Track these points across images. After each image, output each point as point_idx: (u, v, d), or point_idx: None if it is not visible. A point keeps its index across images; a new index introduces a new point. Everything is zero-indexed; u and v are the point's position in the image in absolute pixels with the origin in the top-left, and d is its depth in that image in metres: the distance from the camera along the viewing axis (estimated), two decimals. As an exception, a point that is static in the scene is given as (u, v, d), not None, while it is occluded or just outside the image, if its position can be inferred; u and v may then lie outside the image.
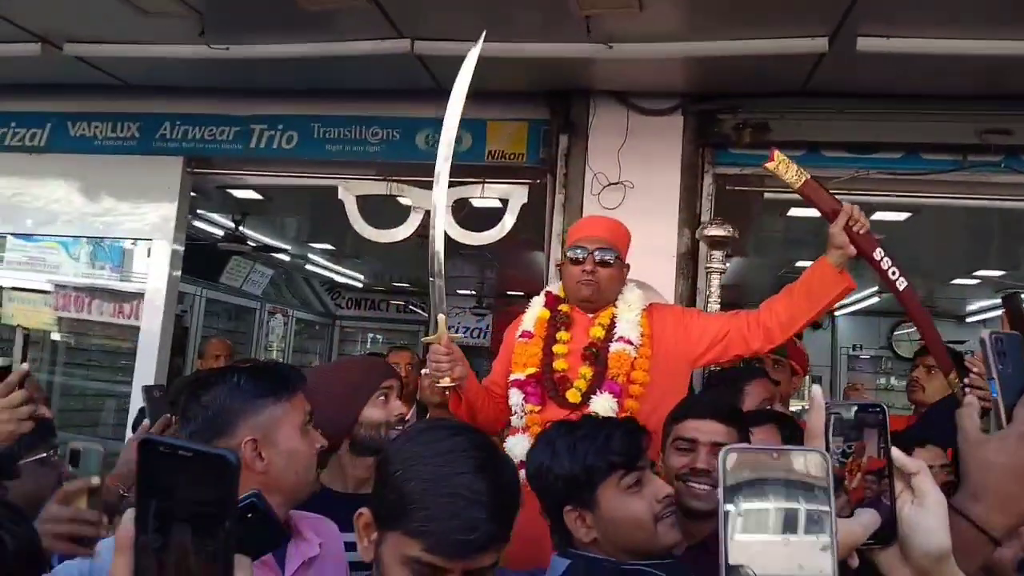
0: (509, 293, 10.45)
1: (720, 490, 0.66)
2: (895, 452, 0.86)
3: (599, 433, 1.69)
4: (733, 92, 4.24)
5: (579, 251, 2.76)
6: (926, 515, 0.86)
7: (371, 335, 12.17)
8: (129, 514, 0.66)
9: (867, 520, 0.85)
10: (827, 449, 0.84)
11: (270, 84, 4.68)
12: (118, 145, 5.02)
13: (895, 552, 0.87)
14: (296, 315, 10.55)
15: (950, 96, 4.02)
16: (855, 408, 0.86)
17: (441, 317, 2.64)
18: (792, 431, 2.45)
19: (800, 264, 7.71)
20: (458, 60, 3.22)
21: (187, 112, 4.89)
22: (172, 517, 0.65)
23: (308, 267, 9.67)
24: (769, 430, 2.36)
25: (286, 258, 8.93)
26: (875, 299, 9.09)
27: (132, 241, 5.16)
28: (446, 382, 2.62)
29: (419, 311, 11.60)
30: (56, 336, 5.87)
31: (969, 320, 9.85)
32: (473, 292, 10.98)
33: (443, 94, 3.05)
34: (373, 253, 8.24)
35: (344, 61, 4.06)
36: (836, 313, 10.37)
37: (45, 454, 2.12)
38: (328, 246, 8.72)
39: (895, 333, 10.10)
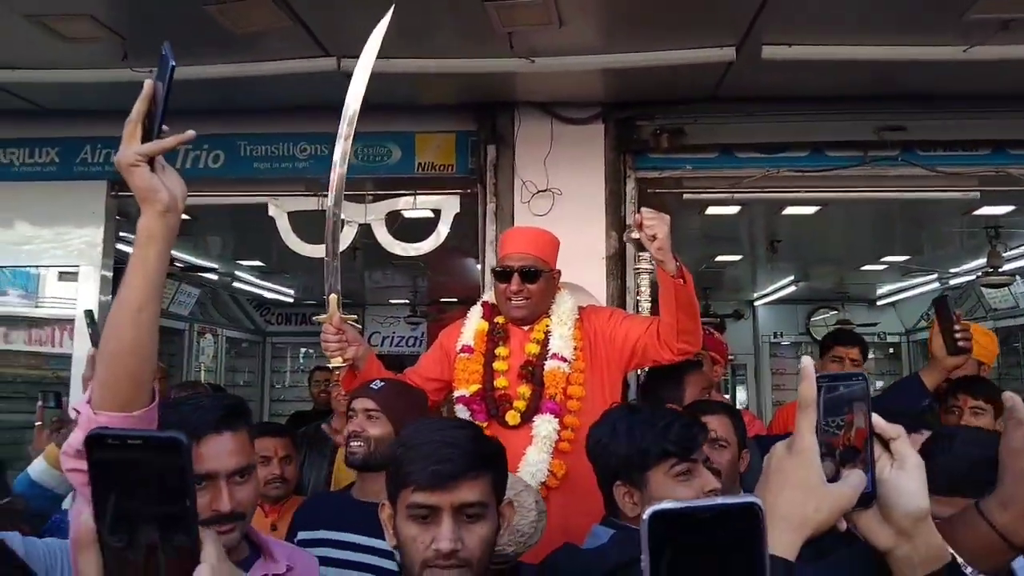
0: (443, 300, 10.51)
1: (645, 556, 0.60)
2: (875, 418, 0.90)
3: (659, 421, 1.79)
4: (650, 100, 4.43)
5: (505, 269, 2.86)
6: (907, 478, 0.89)
7: (303, 350, 12.05)
8: (87, 513, 0.66)
9: (855, 482, 0.88)
10: (819, 421, 0.88)
11: (195, 104, 4.64)
12: (37, 171, 4.92)
13: (873, 514, 0.91)
14: (225, 334, 10.39)
15: (850, 97, 4.30)
16: (841, 379, 0.90)
17: (332, 297, 2.78)
18: (738, 419, 2.63)
19: (720, 258, 8.04)
20: (385, 75, 3.31)
21: (109, 135, 4.82)
22: (134, 513, 0.65)
23: (236, 284, 9.53)
24: (721, 419, 2.52)
25: (214, 277, 8.80)
26: (792, 288, 9.51)
27: (56, 268, 5.04)
28: (337, 361, 2.74)
29: (353, 324, 11.54)
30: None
31: (879, 303, 10.38)
32: (407, 301, 11.00)
33: (370, 108, 3.13)
34: (301, 267, 8.18)
35: (271, 80, 4.09)
36: (756, 303, 10.80)
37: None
38: (256, 263, 8.63)
39: (812, 319, 10.58)
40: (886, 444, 0.92)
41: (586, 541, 1.88)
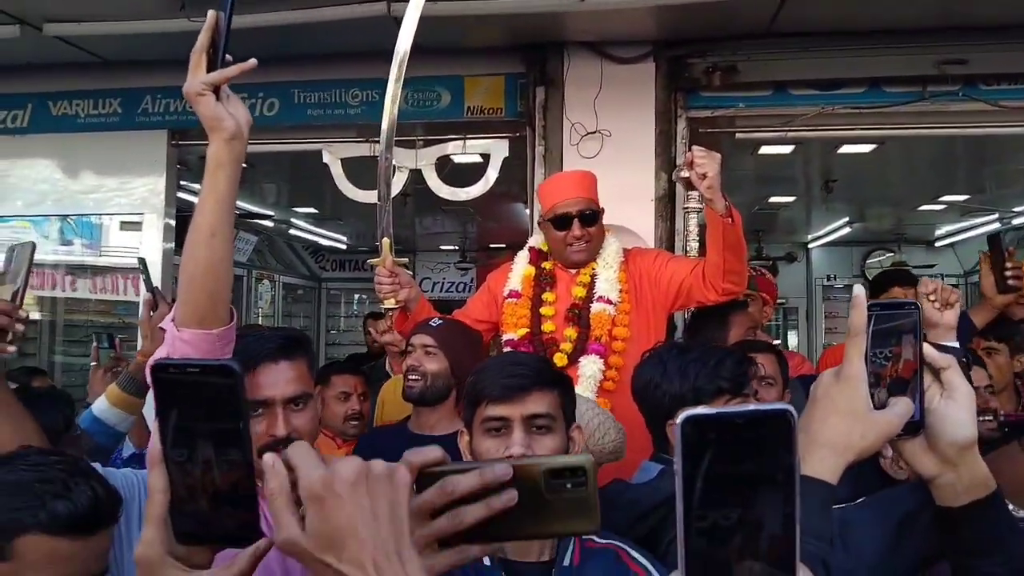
0: (492, 246, 10.59)
1: (678, 460, 0.61)
2: (926, 348, 0.90)
3: (710, 359, 1.83)
4: (702, 37, 4.37)
5: (563, 214, 2.90)
6: (956, 407, 0.90)
7: (357, 296, 12.30)
8: (156, 432, 0.75)
9: (902, 410, 0.89)
10: (868, 350, 0.89)
11: (249, 52, 4.72)
12: (101, 122, 5.08)
13: (920, 442, 0.92)
14: (282, 280, 10.66)
15: (909, 30, 4.17)
16: (892, 308, 0.90)
17: (385, 241, 2.88)
18: (782, 359, 2.68)
19: (773, 200, 7.93)
20: (433, 19, 3.33)
21: (168, 85, 4.94)
22: (192, 431, 0.74)
23: (292, 232, 9.74)
24: (768, 357, 2.58)
25: (270, 224, 9.00)
26: (846, 229, 9.34)
27: (120, 217, 5.23)
28: (390, 303, 2.86)
29: (405, 271, 11.71)
30: (49, 316, 5.97)
31: (938, 244, 10.14)
32: (456, 247, 11.11)
33: (420, 53, 3.17)
34: (354, 214, 8.32)
35: (323, 26, 4.14)
36: (809, 245, 10.63)
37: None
38: (311, 210, 8.79)
39: (867, 261, 10.39)
40: (936, 374, 0.93)
41: (635, 476, 1.94)
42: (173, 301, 2.82)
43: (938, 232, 9.71)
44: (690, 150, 2.68)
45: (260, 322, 9.75)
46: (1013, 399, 3.16)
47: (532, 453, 1.46)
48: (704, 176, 2.58)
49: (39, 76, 4.98)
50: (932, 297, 2.12)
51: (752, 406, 0.62)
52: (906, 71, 4.32)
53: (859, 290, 0.91)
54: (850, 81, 4.37)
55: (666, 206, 4.35)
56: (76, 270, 5.43)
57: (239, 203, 7.77)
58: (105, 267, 5.35)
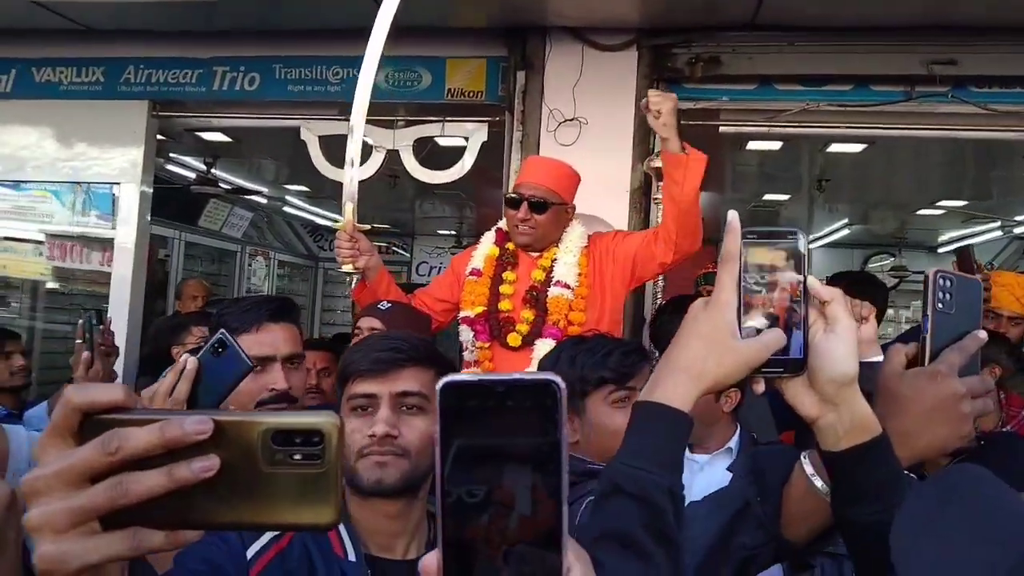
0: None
1: (436, 430, 0.55)
2: (810, 280, 0.85)
3: (601, 348, 1.83)
4: (686, 26, 4.27)
5: (515, 196, 2.89)
6: (836, 341, 0.85)
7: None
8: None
9: (768, 340, 0.84)
10: (740, 277, 0.84)
11: (232, 25, 4.70)
12: (84, 90, 5.04)
13: (802, 380, 0.87)
14: (278, 257, 10.64)
15: (898, 27, 4.07)
16: (772, 235, 0.86)
17: (348, 206, 2.85)
18: None
19: (768, 197, 7.82)
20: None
21: (150, 56, 4.91)
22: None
23: (286, 209, 9.71)
24: None
25: (263, 200, 8.98)
26: (847, 231, 9.21)
27: (105, 186, 5.20)
28: (348, 267, 2.84)
29: (402, 252, 11.70)
30: (37, 283, 5.98)
31: (941, 251, 9.99)
32: (453, 232, 11.07)
33: (400, 31, 3.12)
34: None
35: (303, 1, 4.09)
36: (810, 247, 10.46)
37: None
38: (303, 188, 8.74)
39: (869, 264, 10.26)
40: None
41: None
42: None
43: (941, 238, 9.55)
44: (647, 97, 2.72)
45: (254, 298, 9.75)
46: (996, 412, 3.07)
47: (398, 433, 1.36)
48: (659, 114, 2.65)
49: (23, 42, 4.94)
50: None
51: (516, 375, 0.56)
52: (894, 70, 4.22)
53: (732, 215, 0.87)
54: (836, 78, 4.27)
55: (641, 198, 4.28)
56: (61, 238, 5.41)
57: (231, 177, 7.80)
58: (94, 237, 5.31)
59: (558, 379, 0.55)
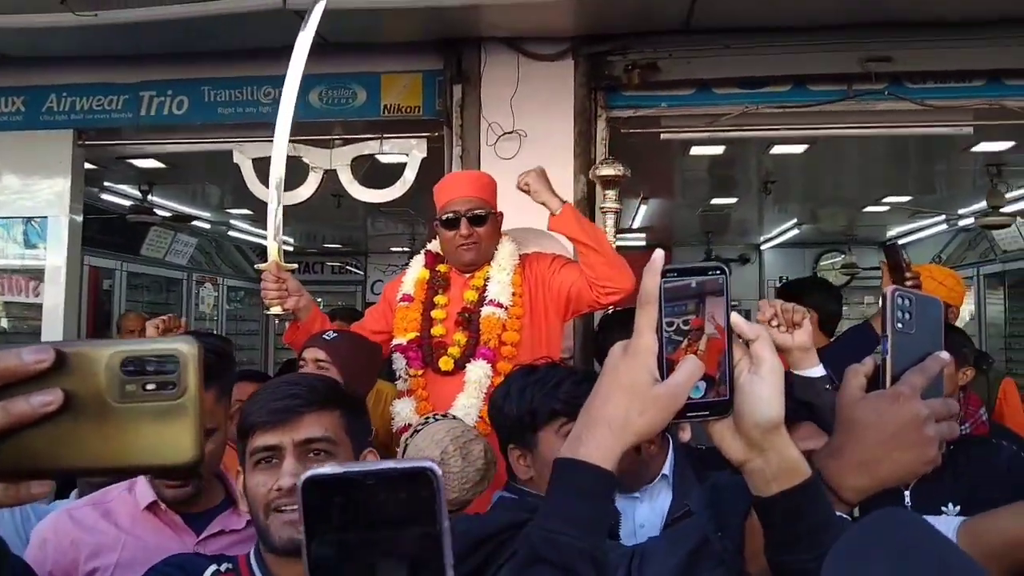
0: (441, 248, 10.40)
1: (301, 524, 0.52)
2: (734, 317, 0.81)
3: (550, 379, 1.74)
4: (621, 33, 4.23)
5: (452, 215, 2.79)
6: (760, 383, 0.81)
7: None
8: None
9: (682, 378, 0.79)
10: (659, 320, 0.79)
11: (156, 48, 4.55)
12: (4, 121, 4.85)
13: (728, 423, 0.83)
14: (228, 283, 10.41)
15: (832, 26, 4.05)
16: (693, 272, 0.80)
17: (272, 245, 2.73)
18: None
19: (717, 201, 7.84)
20: (337, 13, 3.17)
21: (73, 82, 4.73)
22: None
23: (233, 233, 9.50)
24: None
25: (207, 226, 8.77)
26: (796, 231, 9.29)
27: (32, 219, 4.99)
28: (276, 310, 2.71)
29: (356, 271, 11.53)
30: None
31: (892, 241, 10.12)
32: (407, 249, 10.93)
33: (329, 48, 3.03)
34: (295, 215, 8.12)
35: (226, 20, 3.95)
36: (761, 246, 10.58)
37: None
38: (246, 211, 8.54)
39: (820, 263, 10.36)
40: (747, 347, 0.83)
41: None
42: None
43: (889, 233, 9.67)
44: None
45: (205, 325, 9.51)
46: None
47: None
48: (528, 188, 2.73)
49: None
50: (774, 322, 1.87)
51: (387, 464, 0.53)
52: (831, 69, 4.20)
53: (657, 253, 0.81)
54: (774, 79, 4.25)
55: (585, 208, 4.20)
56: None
57: (171, 204, 7.59)
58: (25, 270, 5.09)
59: (434, 466, 0.53)
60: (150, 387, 0.54)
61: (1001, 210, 5.99)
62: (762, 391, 0.81)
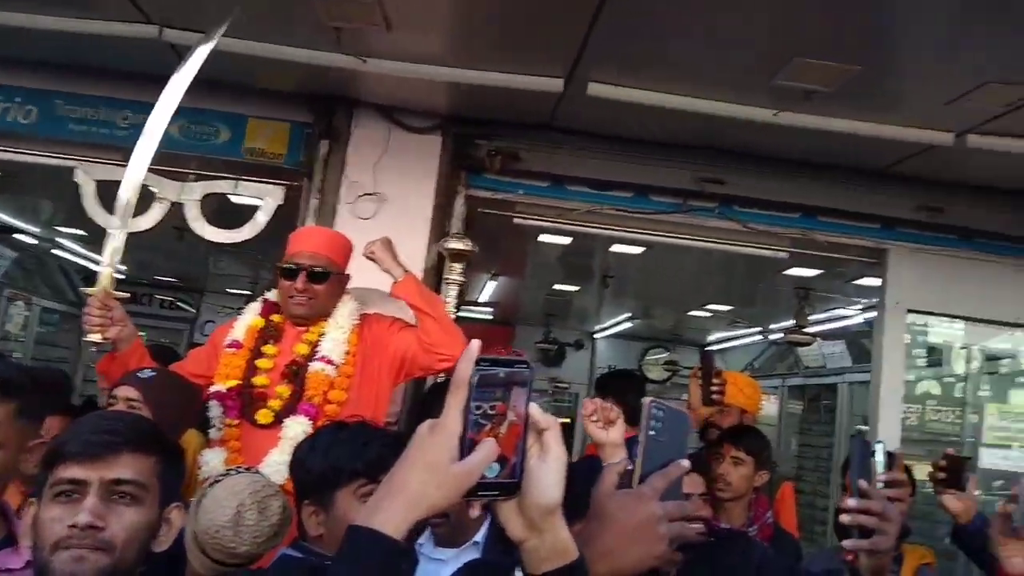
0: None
1: None
2: (532, 407, 0.89)
3: (359, 439, 1.74)
4: (489, 119, 4.47)
5: (293, 265, 2.80)
6: (546, 469, 0.90)
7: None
8: None
9: (477, 458, 0.85)
10: (468, 403, 0.86)
11: (12, 53, 4.34)
12: None
13: (513, 504, 0.90)
14: (43, 304, 9.66)
15: (673, 144, 4.48)
16: (505, 365, 0.87)
17: (106, 270, 2.73)
18: None
19: (560, 287, 8.20)
20: (214, 52, 3.18)
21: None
22: None
23: (58, 252, 8.89)
24: None
25: (32, 240, 8.19)
26: (629, 324, 9.82)
27: None
28: (95, 337, 2.63)
29: (188, 308, 11.02)
30: None
31: (706, 349, 10.88)
32: (247, 292, 10.59)
33: (199, 84, 3.02)
34: (133, 243, 7.73)
35: (94, 40, 3.85)
36: (596, 335, 11.09)
37: None
38: (78, 231, 8.06)
39: (646, 356, 10.95)
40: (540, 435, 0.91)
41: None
42: None
43: (710, 337, 10.42)
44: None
45: (7, 347, 8.74)
46: (745, 512, 3.27)
47: (103, 525, 1.24)
48: (374, 257, 2.88)
49: None
50: (594, 418, 2.17)
51: None
52: (670, 183, 4.60)
53: (474, 343, 0.89)
54: (619, 184, 4.59)
55: (432, 277, 4.33)
56: None
57: (-3, 213, 7.01)
58: None
59: None
60: None
61: (804, 330, 6.64)
62: (547, 476, 0.90)
